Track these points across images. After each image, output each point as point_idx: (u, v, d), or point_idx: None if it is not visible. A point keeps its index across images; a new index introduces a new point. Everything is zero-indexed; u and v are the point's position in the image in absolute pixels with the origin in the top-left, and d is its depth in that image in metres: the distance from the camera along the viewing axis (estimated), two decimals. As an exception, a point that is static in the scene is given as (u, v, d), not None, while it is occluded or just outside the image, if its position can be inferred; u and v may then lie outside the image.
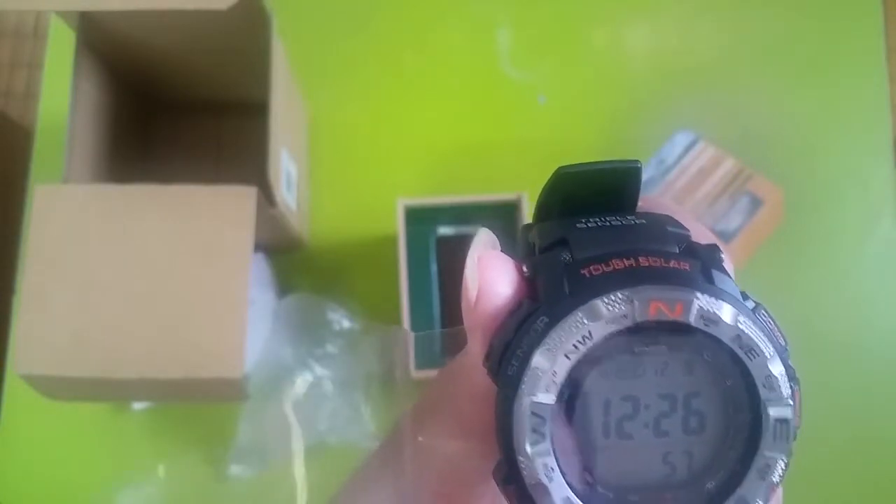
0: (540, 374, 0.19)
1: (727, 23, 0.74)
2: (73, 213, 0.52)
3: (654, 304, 0.19)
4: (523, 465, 0.19)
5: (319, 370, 0.61)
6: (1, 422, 0.64)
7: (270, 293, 0.64)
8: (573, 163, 0.21)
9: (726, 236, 0.65)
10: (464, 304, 0.21)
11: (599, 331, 0.19)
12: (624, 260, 0.19)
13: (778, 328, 0.20)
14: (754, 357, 0.19)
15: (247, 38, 0.55)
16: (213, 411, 0.63)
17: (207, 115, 0.69)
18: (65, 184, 0.53)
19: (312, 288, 0.65)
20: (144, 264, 0.51)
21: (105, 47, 0.58)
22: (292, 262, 0.66)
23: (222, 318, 0.50)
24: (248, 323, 0.50)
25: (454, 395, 0.22)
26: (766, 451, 0.19)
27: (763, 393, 0.19)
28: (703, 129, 0.69)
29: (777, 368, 0.19)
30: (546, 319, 0.19)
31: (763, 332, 0.19)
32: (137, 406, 0.64)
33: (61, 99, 0.55)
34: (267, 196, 0.53)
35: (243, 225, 0.51)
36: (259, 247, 0.58)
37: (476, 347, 0.21)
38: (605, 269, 0.19)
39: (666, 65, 0.72)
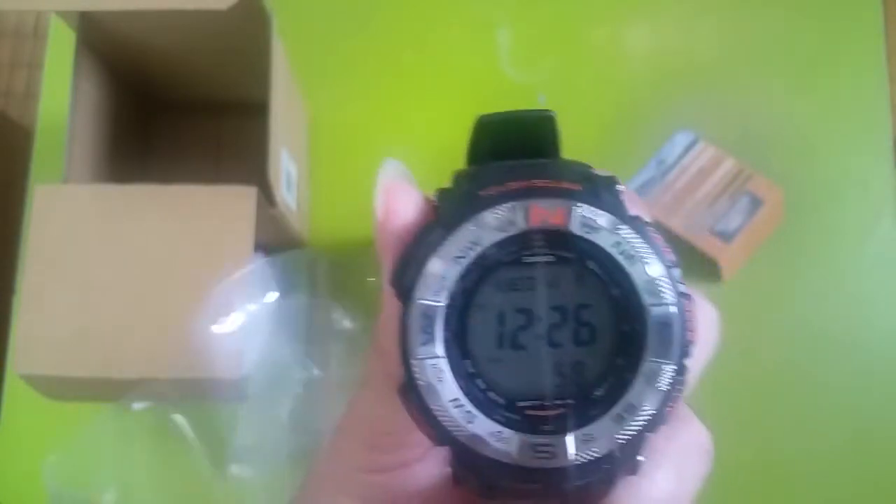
0: (431, 278, 0.20)
1: (727, 23, 0.74)
2: (73, 213, 0.52)
3: (535, 210, 0.20)
4: (416, 369, 0.20)
5: (319, 370, 0.61)
6: (1, 422, 0.64)
7: (270, 293, 0.64)
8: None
9: (726, 236, 0.64)
10: (374, 231, 0.22)
11: (487, 238, 0.20)
12: (519, 182, 0.21)
13: (667, 245, 0.21)
14: (635, 263, 0.20)
15: (247, 38, 0.55)
16: (213, 411, 0.63)
17: (207, 115, 0.69)
18: (65, 184, 0.53)
19: (312, 288, 0.65)
20: (144, 264, 0.51)
21: (105, 47, 0.58)
22: (292, 262, 0.66)
23: (222, 318, 0.50)
24: (248, 323, 0.50)
25: (375, 331, 0.23)
26: (651, 357, 0.20)
27: (645, 298, 0.20)
28: (703, 129, 0.69)
29: (658, 273, 0.20)
30: (441, 231, 0.20)
31: (646, 242, 0.20)
32: (137, 406, 0.64)
33: (61, 99, 0.55)
34: (267, 196, 0.53)
35: (243, 225, 0.51)
36: (259, 247, 0.58)
37: (386, 270, 0.21)
38: (500, 189, 0.20)
39: (666, 65, 0.72)
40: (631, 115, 0.70)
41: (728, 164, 0.67)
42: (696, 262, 0.65)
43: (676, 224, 0.65)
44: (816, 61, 0.72)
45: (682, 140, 0.68)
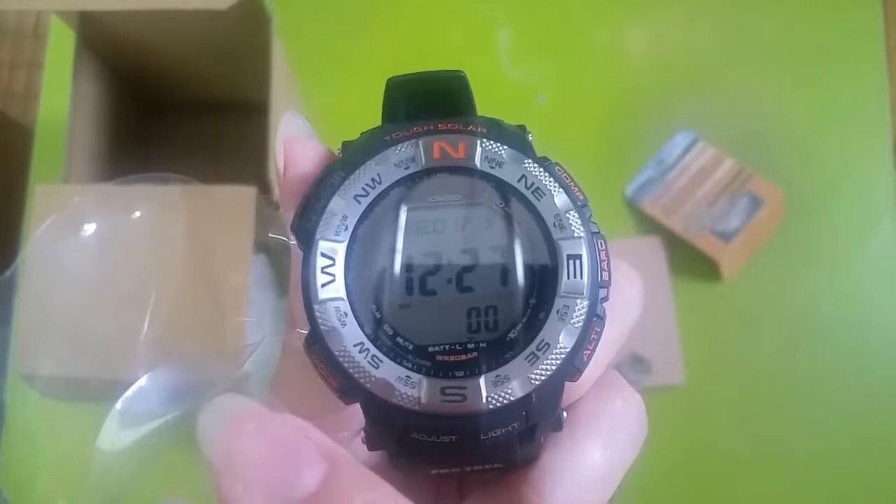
0: (332, 218, 0.19)
1: (727, 23, 0.74)
2: (73, 212, 0.52)
3: (437, 144, 0.19)
4: (318, 314, 0.19)
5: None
6: (6, 423, 0.63)
7: (270, 293, 0.64)
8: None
9: (726, 236, 0.65)
10: (277, 182, 0.21)
11: (388, 175, 0.19)
12: (424, 126, 0.20)
13: (575, 184, 0.20)
14: (541, 197, 0.19)
15: (247, 38, 0.55)
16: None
17: (207, 115, 0.69)
18: (65, 184, 0.53)
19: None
20: (144, 264, 0.51)
21: (105, 47, 0.58)
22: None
23: (222, 318, 0.50)
24: (248, 323, 0.50)
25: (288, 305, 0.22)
26: (563, 292, 0.19)
27: (554, 232, 0.19)
28: (703, 129, 0.69)
29: (566, 207, 0.19)
30: (342, 173, 0.20)
31: (554, 178, 0.20)
32: (137, 406, 0.64)
33: (61, 99, 0.55)
34: (267, 196, 0.53)
35: (243, 225, 0.51)
36: (259, 247, 0.58)
37: (289, 220, 0.20)
38: (404, 133, 0.20)
39: (666, 65, 0.72)
40: (631, 115, 0.70)
41: (728, 164, 0.67)
42: (696, 262, 0.65)
43: (676, 224, 0.65)
44: (816, 61, 0.72)
45: (682, 140, 0.68)
